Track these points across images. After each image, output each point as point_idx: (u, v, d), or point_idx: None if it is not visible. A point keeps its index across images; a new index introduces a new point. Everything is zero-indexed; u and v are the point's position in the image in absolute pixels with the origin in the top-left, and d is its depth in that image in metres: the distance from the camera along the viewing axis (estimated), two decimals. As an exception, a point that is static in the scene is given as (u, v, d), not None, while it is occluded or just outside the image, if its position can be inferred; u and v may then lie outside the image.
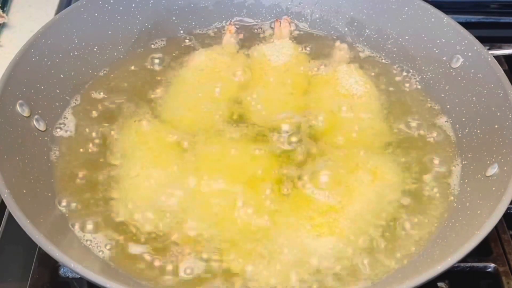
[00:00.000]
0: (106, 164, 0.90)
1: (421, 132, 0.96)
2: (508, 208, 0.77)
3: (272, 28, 1.12)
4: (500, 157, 0.84)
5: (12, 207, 0.74)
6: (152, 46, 1.08)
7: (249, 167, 0.89)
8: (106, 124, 0.96)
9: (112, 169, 0.89)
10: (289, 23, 1.11)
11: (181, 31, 1.11)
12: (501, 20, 1.33)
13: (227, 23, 1.11)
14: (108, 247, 0.81)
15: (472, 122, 0.93)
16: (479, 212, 0.80)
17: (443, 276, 0.75)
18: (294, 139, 0.94)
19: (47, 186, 0.87)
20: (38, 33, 0.95)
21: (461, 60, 0.97)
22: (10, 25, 1.26)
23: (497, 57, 0.96)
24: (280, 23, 1.11)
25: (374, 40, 1.09)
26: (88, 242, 0.81)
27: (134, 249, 0.81)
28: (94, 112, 0.98)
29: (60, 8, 1.28)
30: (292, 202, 0.86)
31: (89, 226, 0.83)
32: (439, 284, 0.86)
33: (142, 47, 1.08)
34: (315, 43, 1.10)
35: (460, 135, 0.95)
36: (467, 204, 0.85)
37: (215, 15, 1.13)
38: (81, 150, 0.92)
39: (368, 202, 0.85)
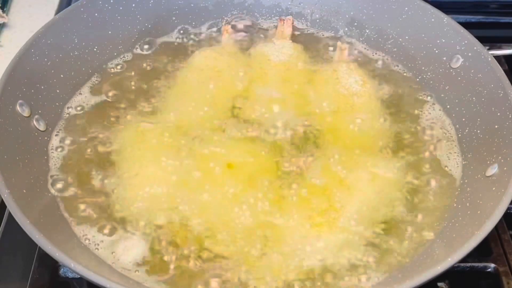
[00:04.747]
0: (106, 163, 0.90)
1: (421, 132, 0.96)
2: (508, 208, 0.77)
3: (273, 28, 1.12)
4: (500, 157, 0.84)
5: (12, 207, 0.74)
6: (152, 46, 1.08)
7: (249, 166, 0.89)
8: (106, 124, 0.96)
9: (111, 168, 0.89)
10: (292, 24, 1.11)
11: (181, 31, 1.11)
12: (501, 20, 1.33)
13: (223, 24, 1.11)
14: (108, 246, 0.81)
15: (472, 122, 0.93)
16: (479, 212, 0.80)
17: (443, 276, 0.75)
18: (293, 138, 0.94)
19: (47, 186, 0.87)
20: (38, 33, 0.95)
21: (461, 60, 0.97)
22: (10, 25, 1.26)
23: (497, 57, 0.96)
24: (284, 22, 1.11)
25: (374, 40, 1.09)
26: (88, 242, 0.82)
27: (134, 248, 0.81)
28: (94, 111, 0.98)
29: (60, 8, 1.28)
30: (291, 201, 0.86)
31: (89, 226, 0.83)
32: (439, 284, 0.86)
33: (142, 47, 1.08)
34: (315, 43, 1.10)
35: (460, 135, 0.95)
36: (467, 204, 0.85)
37: (215, 15, 1.13)
38: (81, 149, 0.92)
39: (367, 201, 0.85)
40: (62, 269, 0.85)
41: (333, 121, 0.97)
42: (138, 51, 1.07)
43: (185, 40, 1.10)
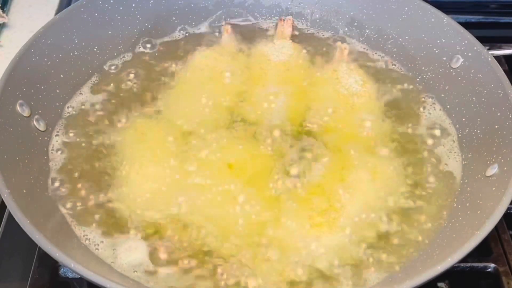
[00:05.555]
0: (105, 163, 0.90)
1: (421, 132, 0.96)
2: (508, 208, 0.77)
3: (273, 28, 1.12)
4: (500, 157, 0.84)
5: (12, 207, 0.74)
6: (152, 46, 1.08)
7: (249, 166, 0.89)
8: (106, 124, 0.96)
9: (111, 168, 0.90)
10: (292, 24, 1.11)
11: (181, 31, 1.11)
12: (501, 20, 1.33)
13: (223, 23, 1.11)
14: (108, 246, 0.81)
15: (472, 122, 0.93)
16: (479, 212, 0.80)
17: (443, 276, 0.75)
18: (294, 138, 0.94)
19: (47, 186, 0.87)
20: (38, 33, 0.95)
21: (461, 60, 0.97)
22: (10, 25, 1.26)
23: (497, 57, 0.96)
24: (284, 22, 1.11)
25: (374, 40, 1.09)
26: (88, 242, 0.82)
27: (134, 248, 0.81)
28: (94, 112, 0.98)
29: (60, 8, 1.28)
30: (291, 201, 0.86)
31: (89, 226, 0.83)
32: (439, 284, 0.86)
33: (142, 47, 1.08)
34: (315, 43, 1.10)
35: (460, 135, 0.95)
36: (467, 204, 0.85)
37: (215, 15, 1.13)
38: (81, 149, 0.92)
39: (367, 201, 0.85)
40: (62, 269, 0.85)
41: (333, 121, 0.97)
42: (141, 49, 1.07)
43: (185, 40, 1.10)
